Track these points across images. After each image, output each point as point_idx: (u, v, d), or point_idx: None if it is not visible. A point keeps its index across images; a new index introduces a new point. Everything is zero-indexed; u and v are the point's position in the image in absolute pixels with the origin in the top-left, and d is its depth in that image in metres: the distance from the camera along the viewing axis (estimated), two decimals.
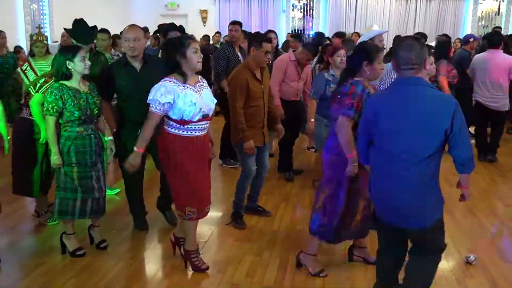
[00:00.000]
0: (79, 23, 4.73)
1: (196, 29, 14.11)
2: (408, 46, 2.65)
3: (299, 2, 16.52)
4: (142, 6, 16.01)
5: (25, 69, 4.97)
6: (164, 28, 6.08)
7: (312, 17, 16.33)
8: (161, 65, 3.76)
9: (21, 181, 4.34)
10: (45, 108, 3.51)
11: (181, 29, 5.93)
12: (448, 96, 3.15)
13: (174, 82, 3.34)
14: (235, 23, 6.37)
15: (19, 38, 11.06)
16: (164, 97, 3.27)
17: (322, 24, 15.74)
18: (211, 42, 12.55)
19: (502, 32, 12.01)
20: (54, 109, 3.47)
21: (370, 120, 2.75)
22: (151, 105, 3.34)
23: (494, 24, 14.92)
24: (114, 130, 4.18)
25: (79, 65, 3.56)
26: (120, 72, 4.05)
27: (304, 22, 16.63)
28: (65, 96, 3.50)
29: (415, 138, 2.58)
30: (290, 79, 5.67)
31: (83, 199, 3.70)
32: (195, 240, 3.71)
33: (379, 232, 3.04)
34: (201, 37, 11.88)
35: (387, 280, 3.00)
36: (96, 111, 3.72)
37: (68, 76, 3.57)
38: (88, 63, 3.69)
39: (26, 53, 10.25)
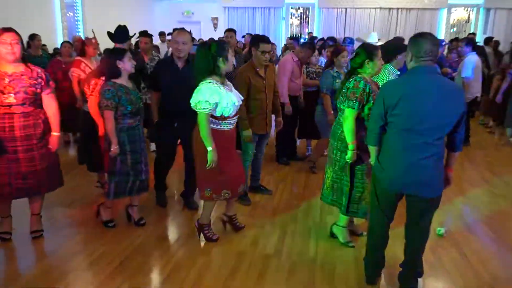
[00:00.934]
0: (119, 28, 4.81)
1: (208, 34, 14.08)
2: (432, 40, 2.68)
3: (297, 11, 16.62)
4: (163, 14, 16.01)
5: (84, 67, 5.09)
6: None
7: (308, 24, 16.34)
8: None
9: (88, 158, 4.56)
10: (104, 105, 3.44)
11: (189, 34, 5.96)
12: (458, 84, 3.30)
13: (215, 83, 3.34)
14: (230, 31, 6.32)
15: (57, 41, 11.05)
16: (213, 98, 3.26)
17: (316, 30, 15.67)
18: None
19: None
20: (113, 105, 3.43)
21: (391, 104, 2.67)
22: (201, 107, 3.27)
23: (464, 31, 14.85)
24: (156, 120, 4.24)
25: (128, 64, 3.55)
26: (165, 70, 4.12)
27: (300, 28, 16.70)
28: (119, 92, 3.46)
29: (439, 118, 2.61)
30: (295, 77, 5.63)
31: (133, 181, 3.71)
32: (209, 215, 3.73)
33: (385, 199, 2.96)
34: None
35: (384, 234, 3.01)
36: (141, 104, 3.72)
37: (118, 74, 3.54)
38: (134, 62, 3.66)
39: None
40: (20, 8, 9.79)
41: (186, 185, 4.45)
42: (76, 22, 12.21)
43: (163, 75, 4.04)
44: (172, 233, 3.98)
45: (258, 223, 4.07)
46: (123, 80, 3.57)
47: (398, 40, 6.46)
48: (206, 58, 3.36)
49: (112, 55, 3.60)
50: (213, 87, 3.31)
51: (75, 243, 3.65)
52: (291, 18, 16.48)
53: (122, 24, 4.92)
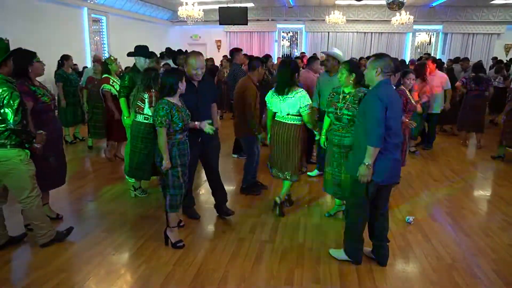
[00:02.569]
0: (140, 47, 4.75)
1: (213, 54, 14.13)
2: (391, 59, 2.92)
3: (287, 35, 16.70)
4: (175, 37, 16.05)
5: (112, 83, 5.12)
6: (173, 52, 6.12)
7: (296, 45, 16.39)
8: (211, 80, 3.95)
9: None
10: (158, 121, 3.03)
11: (185, 53, 5.99)
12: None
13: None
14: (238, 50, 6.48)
15: (86, 61, 11.04)
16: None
17: (304, 50, 15.71)
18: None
19: (432, 56, 12.09)
20: (165, 122, 3.04)
21: (386, 110, 2.71)
22: (307, 109, 3.65)
23: (427, 51, 14.92)
24: None
25: (183, 85, 3.19)
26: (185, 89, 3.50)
27: (290, 48, 16.75)
28: (172, 111, 3.08)
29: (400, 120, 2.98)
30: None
31: (183, 194, 3.30)
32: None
33: (374, 190, 2.91)
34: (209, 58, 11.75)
35: (370, 216, 3.03)
36: (189, 121, 3.28)
37: (174, 93, 3.14)
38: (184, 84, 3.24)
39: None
40: (57, 34, 9.79)
41: (217, 196, 3.94)
42: (102, 45, 12.19)
43: (184, 94, 3.33)
44: (183, 222, 3.94)
45: (255, 213, 4.04)
46: (175, 99, 3.18)
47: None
48: (288, 72, 3.67)
49: (175, 76, 3.15)
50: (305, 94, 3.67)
51: (100, 232, 3.61)
52: (282, 40, 16.58)
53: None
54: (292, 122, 3.74)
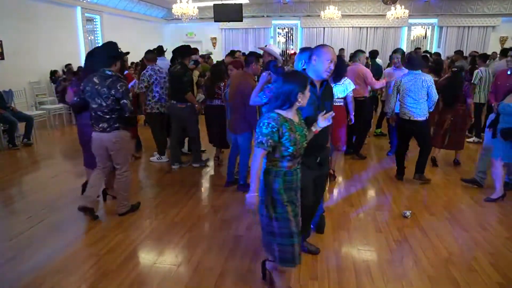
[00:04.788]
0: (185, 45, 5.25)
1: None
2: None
3: (282, 31, 16.67)
4: (170, 35, 15.99)
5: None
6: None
7: (292, 41, 16.35)
8: None
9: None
10: (258, 141, 2.22)
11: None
12: None
13: None
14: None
15: (81, 60, 10.98)
16: None
17: (299, 46, 15.67)
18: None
19: (428, 50, 12.05)
20: (268, 143, 2.20)
21: None
22: None
23: (422, 45, 14.90)
24: None
25: (307, 96, 2.31)
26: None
27: (286, 45, 16.72)
28: (282, 129, 2.21)
29: None
30: None
31: (298, 242, 2.35)
32: None
33: None
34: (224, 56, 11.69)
35: None
36: (306, 144, 2.37)
37: (290, 106, 2.26)
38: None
39: None
40: (51, 33, 9.73)
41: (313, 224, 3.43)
42: (97, 44, 12.14)
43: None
44: (180, 221, 3.92)
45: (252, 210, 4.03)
46: (290, 113, 2.29)
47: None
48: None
49: (297, 82, 2.25)
50: None
51: (96, 232, 3.60)
52: (278, 36, 16.53)
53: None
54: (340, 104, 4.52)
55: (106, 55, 3.60)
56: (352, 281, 2.82)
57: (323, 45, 2.76)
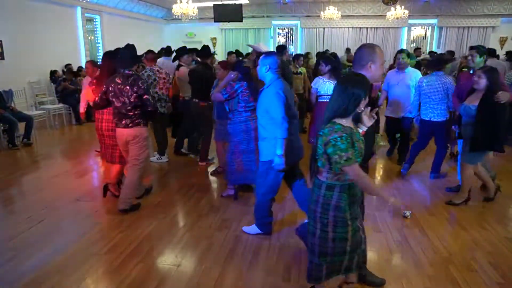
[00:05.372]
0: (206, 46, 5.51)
1: None
2: (278, 56, 3.21)
3: (282, 31, 16.66)
4: (170, 35, 15.97)
5: None
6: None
7: (292, 41, 16.34)
8: None
9: None
10: (345, 158, 1.93)
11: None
12: None
13: None
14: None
15: (81, 60, 10.99)
16: None
17: (299, 46, 15.69)
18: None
19: (433, 50, 12.04)
20: (356, 154, 1.97)
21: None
22: None
23: (422, 45, 14.91)
24: None
25: (366, 101, 2.07)
26: None
27: (286, 45, 16.65)
28: (351, 138, 1.99)
29: None
30: None
31: (350, 258, 2.16)
32: None
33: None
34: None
35: (292, 186, 3.50)
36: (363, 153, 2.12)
37: (351, 112, 2.04)
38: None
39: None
40: (51, 33, 9.73)
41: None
42: (97, 44, 12.14)
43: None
44: (179, 221, 3.92)
45: (251, 211, 4.02)
46: (348, 121, 2.07)
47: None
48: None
49: (362, 85, 2.03)
50: None
51: (95, 232, 3.60)
52: (278, 37, 16.52)
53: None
54: None
55: (128, 56, 3.89)
56: None
57: (374, 49, 2.44)
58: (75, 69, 9.90)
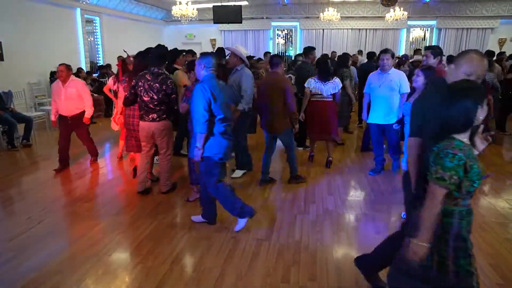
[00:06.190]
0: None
1: None
2: (213, 56, 3.42)
3: (282, 32, 16.66)
4: (169, 37, 15.97)
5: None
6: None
7: (291, 43, 16.37)
8: None
9: None
10: (437, 176, 1.72)
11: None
12: None
13: None
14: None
15: (80, 62, 10.99)
16: None
17: (298, 47, 15.71)
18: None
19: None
20: (452, 180, 1.71)
21: (210, 101, 3.24)
22: None
23: (421, 47, 14.95)
24: None
25: (481, 114, 1.76)
26: None
27: (286, 46, 16.73)
28: (470, 161, 1.72)
29: None
30: None
31: None
32: None
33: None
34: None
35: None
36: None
37: (468, 127, 1.78)
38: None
39: (85, 73, 10.19)
40: (51, 35, 9.74)
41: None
42: (96, 46, 12.14)
43: None
44: (178, 222, 3.92)
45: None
46: (466, 136, 1.81)
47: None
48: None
49: (475, 94, 1.74)
50: None
51: (95, 233, 3.60)
52: (277, 38, 16.54)
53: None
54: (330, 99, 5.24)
55: (158, 55, 4.27)
56: (351, 282, 2.82)
57: (469, 56, 2.07)
58: (74, 70, 9.91)
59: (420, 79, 3.67)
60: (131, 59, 5.40)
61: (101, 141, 7.00)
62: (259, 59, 8.81)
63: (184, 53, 5.95)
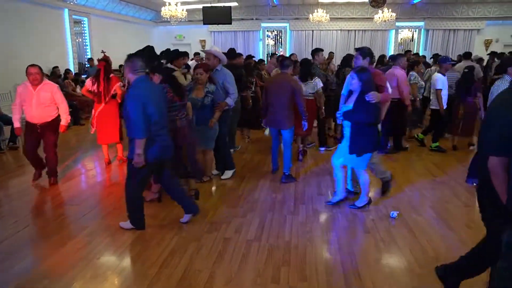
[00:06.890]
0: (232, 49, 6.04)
1: None
2: (139, 58, 3.32)
3: (271, 33, 16.68)
4: (159, 38, 15.89)
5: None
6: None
7: (281, 44, 16.40)
8: None
9: None
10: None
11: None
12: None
13: None
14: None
15: (69, 63, 10.88)
16: None
17: (288, 48, 15.76)
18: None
19: (413, 52, 12.19)
20: None
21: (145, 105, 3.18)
22: None
23: (409, 48, 15.10)
24: None
25: None
26: None
27: (275, 47, 16.76)
28: None
29: None
30: None
31: None
32: None
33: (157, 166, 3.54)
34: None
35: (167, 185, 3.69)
36: None
37: None
38: None
39: (73, 74, 10.08)
40: (38, 36, 9.62)
41: None
42: (85, 47, 12.03)
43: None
44: (168, 224, 3.89)
45: (241, 213, 4.03)
46: None
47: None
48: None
49: None
50: None
51: (84, 236, 3.56)
52: (267, 39, 16.56)
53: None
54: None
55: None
56: (340, 282, 2.84)
57: None
58: (62, 71, 9.80)
59: (354, 82, 3.71)
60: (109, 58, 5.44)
61: (85, 146, 6.92)
62: (261, 60, 9.28)
63: (183, 57, 5.97)
